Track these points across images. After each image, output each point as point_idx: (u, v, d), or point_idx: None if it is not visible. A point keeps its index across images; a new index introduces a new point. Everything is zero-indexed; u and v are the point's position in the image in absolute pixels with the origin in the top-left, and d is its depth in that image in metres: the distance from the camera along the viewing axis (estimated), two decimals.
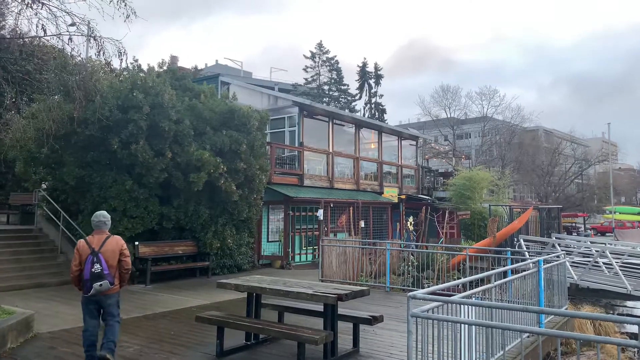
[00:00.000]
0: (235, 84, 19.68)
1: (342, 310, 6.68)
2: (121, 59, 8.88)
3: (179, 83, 14.84)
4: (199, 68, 21.98)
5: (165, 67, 15.59)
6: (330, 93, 45.09)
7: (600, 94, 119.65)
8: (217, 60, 32.96)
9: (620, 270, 13.98)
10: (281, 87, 24.33)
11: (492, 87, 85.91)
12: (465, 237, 20.03)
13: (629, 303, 15.20)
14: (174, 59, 21.52)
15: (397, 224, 19.43)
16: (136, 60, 14.73)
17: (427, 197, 23.87)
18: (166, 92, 12.49)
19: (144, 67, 14.42)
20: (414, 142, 26.56)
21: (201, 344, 6.92)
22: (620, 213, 42.56)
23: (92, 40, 8.77)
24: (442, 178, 28.98)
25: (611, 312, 14.38)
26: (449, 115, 51.95)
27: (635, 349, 3.44)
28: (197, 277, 13.45)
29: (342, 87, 46.38)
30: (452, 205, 22.65)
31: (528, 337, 6.59)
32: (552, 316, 8.23)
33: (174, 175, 12.65)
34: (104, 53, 8.66)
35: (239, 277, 7.79)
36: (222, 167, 12.76)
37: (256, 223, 15.45)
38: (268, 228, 16.70)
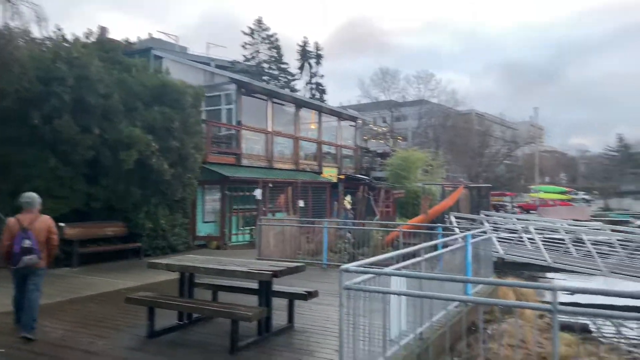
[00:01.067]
0: (169, 59, 18.90)
1: (277, 287, 6.67)
2: (40, 25, 8.21)
3: (108, 55, 14.02)
4: (131, 41, 20.87)
5: (92, 38, 14.67)
6: (270, 71, 44.38)
7: (529, 80, 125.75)
8: (150, 34, 31.40)
9: (542, 244, 14.93)
10: (218, 63, 23.54)
11: (429, 71, 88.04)
12: (401, 215, 20.60)
13: (549, 274, 16.28)
14: (103, 30, 20.25)
15: (336, 203, 19.64)
16: (60, 29, 13.69)
17: (366, 177, 24.25)
18: (93, 64, 11.79)
19: (69, 38, 13.48)
20: (354, 123, 26.80)
21: (131, 326, 6.70)
22: (544, 192, 45.15)
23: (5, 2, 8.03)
24: (380, 158, 29.53)
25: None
26: (387, 98, 52.87)
27: (550, 313, 3.68)
28: (128, 259, 12.96)
29: (282, 66, 45.73)
30: (388, 184, 23.18)
31: (456, 307, 6.88)
32: (479, 289, 8.66)
33: (103, 153, 12.03)
34: (19, 17, 7.96)
35: (172, 258, 7.59)
36: (153, 145, 12.27)
37: (191, 203, 15.08)
38: (204, 208, 16.34)
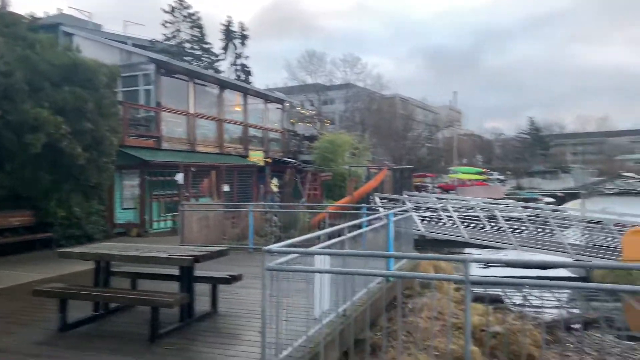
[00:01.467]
0: (81, 36, 17.63)
1: (201, 272, 6.51)
2: None
3: (9, 30, 12.79)
4: (37, 16, 19.23)
5: None
6: (192, 52, 42.73)
7: (450, 65, 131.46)
8: (60, 10, 29.14)
9: (460, 221, 15.76)
10: (136, 42, 22.29)
11: (355, 54, 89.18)
12: (328, 197, 20.87)
13: (467, 250, 17.23)
14: (3, 2, 18.47)
15: (262, 186, 19.49)
16: None
17: (293, 160, 24.26)
18: None
19: None
20: (280, 106, 26.60)
21: (42, 320, 6.27)
22: (462, 173, 47.65)
23: None
24: (307, 142, 29.62)
25: None
26: (314, 81, 53.07)
27: (463, 284, 3.86)
28: (38, 250, 12.06)
29: (205, 46, 44.12)
30: (316, 167, 23.36)
31: (378, 283, 7.05)
32: (401, 265, 8.95)
33: (5, 136, 11.05)
34: None
35: (87, 246, 7.19)
36: (64, 127, 11.44)
37: (108, 189, 14.31)
38: (122, 194, 15.56)
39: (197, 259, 5.97)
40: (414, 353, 5.06)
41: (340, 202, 16.19)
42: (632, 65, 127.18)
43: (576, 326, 7.92)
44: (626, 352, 7.75)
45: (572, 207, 23.39)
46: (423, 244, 15.28)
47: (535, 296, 10.09)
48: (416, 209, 16.24)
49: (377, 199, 17.50)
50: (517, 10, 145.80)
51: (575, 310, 9.97)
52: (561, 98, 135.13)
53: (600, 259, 13.29)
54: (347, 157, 24.99)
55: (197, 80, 19.23)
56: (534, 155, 78.16)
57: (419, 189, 32.55)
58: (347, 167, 22.52)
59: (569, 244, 14.11)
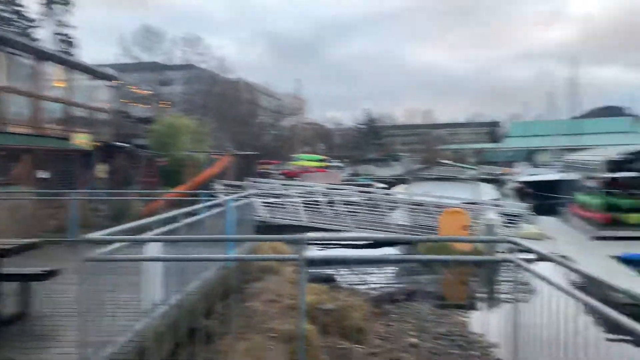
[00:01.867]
0: None
1: (10, 269, 5.69)
2: None
3: None
4: None
5: None
6: (1, 14, 36.58)
7: (294, 54, 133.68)
8: None
9: (301, 207, 16.30)
10: None
11: (196, 34, 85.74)
12: (165, 184, 19.85)
13: (310, 234, 17.88)
14: None
15: (88, 172, 17.73)
16: None
17: (126, 144, 22.50)
18: None
19: None
20: (111, 84, 24.43)
21: None
22: (306, 160, 49.50)
23: None
24: (143, 124, 27.74)
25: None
26: (151, 60, 49.80)
27: (297, 263, 3.93)
28: None
29: (17, 9, 38.04)
30: (152, 152, 22.04)
31: (218, 269, 6.85)
32: (243, 251, 8.86)
33: None
34: None
35: None
36: None
37: None
38: None
39: (1, 254, 5.17)
40: (251, 337, 5.00)
41: (179, 189, 15.50)
42: (450, 66, 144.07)
43: (400, 298, 8.70)
44: (440, 319, 8.76)
45: (400, 192, 25.74)
46: (265, 230, 15.39)
47: (367, 273, 10.88)
48: (260, 195, 16.31)
49: (219, 186, 17.16)
50: (357, 6, 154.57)
51: (400, 285, 10.98)
52: (393, 91, 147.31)
53: (421, 235, 14.89)
54: (188, 142, 24.02)
55: (6, 48, 16.62)
56: (369, 144, 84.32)
57: (263, 175, 32.83)
58: (188, 153, 21.69)
59: (396, 224, 15.54)
